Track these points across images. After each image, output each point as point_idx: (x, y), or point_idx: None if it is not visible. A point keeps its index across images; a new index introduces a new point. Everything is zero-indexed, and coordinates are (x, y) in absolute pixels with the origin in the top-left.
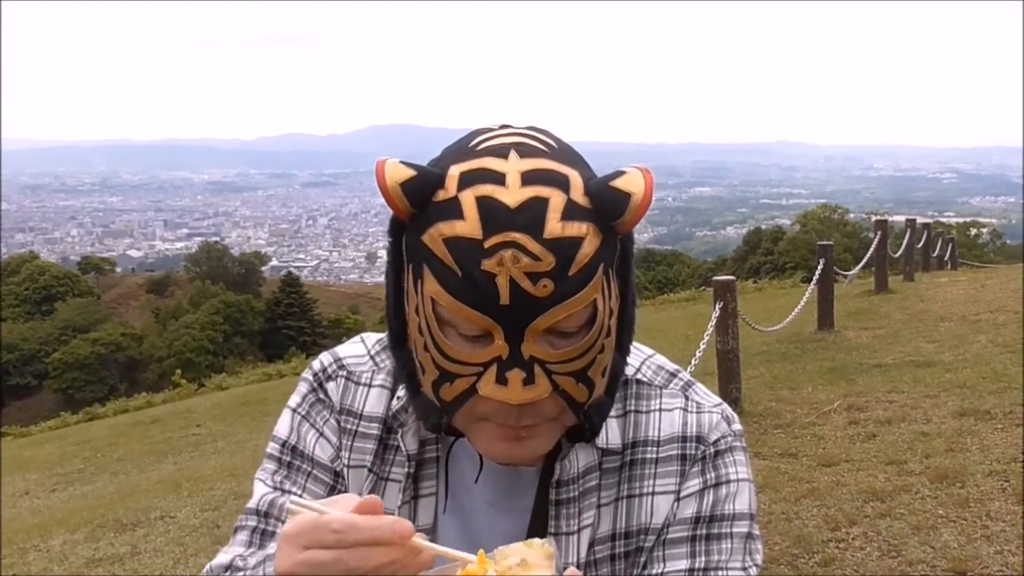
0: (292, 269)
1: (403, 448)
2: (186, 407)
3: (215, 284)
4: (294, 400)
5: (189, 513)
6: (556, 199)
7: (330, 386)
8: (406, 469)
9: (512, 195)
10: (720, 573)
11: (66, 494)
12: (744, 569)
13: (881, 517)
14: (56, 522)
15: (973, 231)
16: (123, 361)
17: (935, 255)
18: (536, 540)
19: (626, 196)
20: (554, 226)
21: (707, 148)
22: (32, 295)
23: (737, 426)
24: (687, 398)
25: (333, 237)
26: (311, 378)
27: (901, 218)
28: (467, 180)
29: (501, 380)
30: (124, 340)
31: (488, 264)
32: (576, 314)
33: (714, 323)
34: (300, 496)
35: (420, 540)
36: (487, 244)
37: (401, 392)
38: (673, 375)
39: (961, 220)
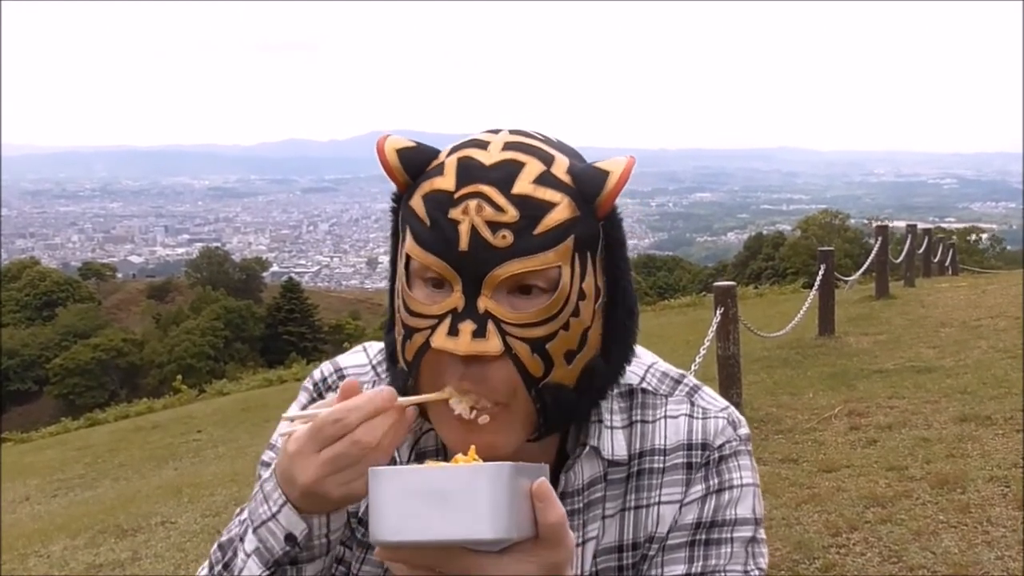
0: (293, 275)
1: (398, 461)
2: (187, 413)
3: (216, 290)
4: (293, 410)
5: (190, 519)
6: (533, 166)
7: (329, 396)
8: None
9: (490, 156)
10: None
11: (67, 500)
12: (745, 573)
13: (882, 523)
14: (57, 528)
15: (974, 236)
16: (124, 367)
17: (936, 261)
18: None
19: (604, 173)
20: (525, 185)
21: (708, 153)
22: (33, 301)
23: (744, 430)
24: (693, 404)
25: (334, 243)
26: (311, 388)
27: (902, 224)
28: (454, 148)
29: (453, 331)
30: (125, 346)
31: (454, 212)
32: (537, 274)
33: (715, 329)
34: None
35: (402, 400)
36: (457, 195)
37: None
38: (678, 381)
39: (962, 226)
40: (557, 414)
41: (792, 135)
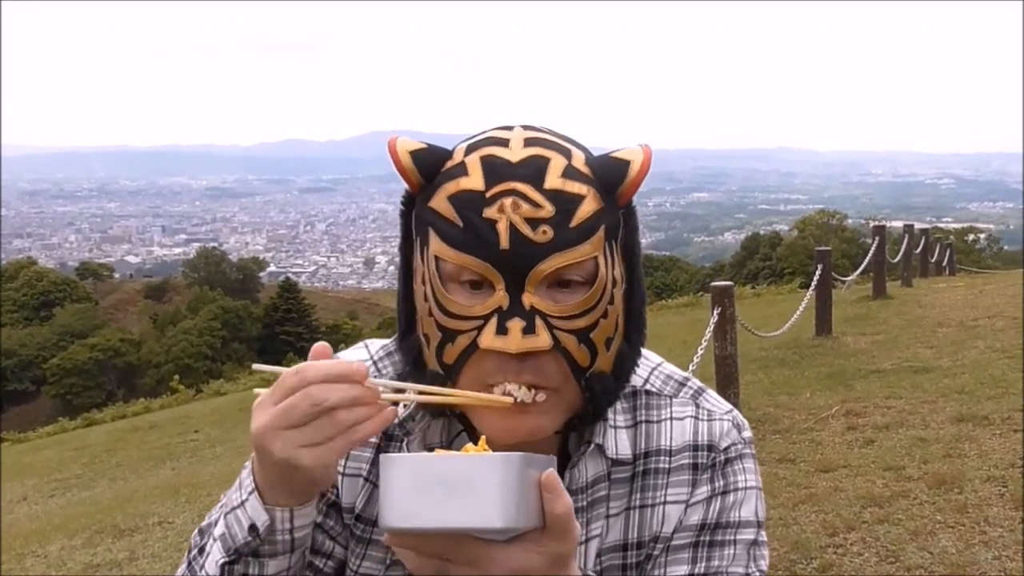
0: (290, 275)
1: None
2: (184, 413)
3: (213, 290)
4: None
5: (187, 519)
6: (557, 160)
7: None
8: None
9: (515, 154)
10: None
11: (64, 500)
12: (747, 575)
13: (879, 523)
14: (54, 528)
15: (971, 237)
16: (121, 367)
17: (933, 261)
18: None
19: (625, 163)
20: (555, 180)
21: (707, 154)
22: (30, 301)
23: (747, 433)
24: (698, 406)
25: (331, 243)
26: None
27: (899, 224)
28: (473, 147)
29: (502, 330)
30: (122, 346)
31: (489, 212)
32: (576, 266)
33: (712, 329)
34: None
35: (376, 382)
36: (489, 194)
37: (399, 410)
38: (682, 384)
39: (959, 226)
40: (604, 400)
41: (790, 135)
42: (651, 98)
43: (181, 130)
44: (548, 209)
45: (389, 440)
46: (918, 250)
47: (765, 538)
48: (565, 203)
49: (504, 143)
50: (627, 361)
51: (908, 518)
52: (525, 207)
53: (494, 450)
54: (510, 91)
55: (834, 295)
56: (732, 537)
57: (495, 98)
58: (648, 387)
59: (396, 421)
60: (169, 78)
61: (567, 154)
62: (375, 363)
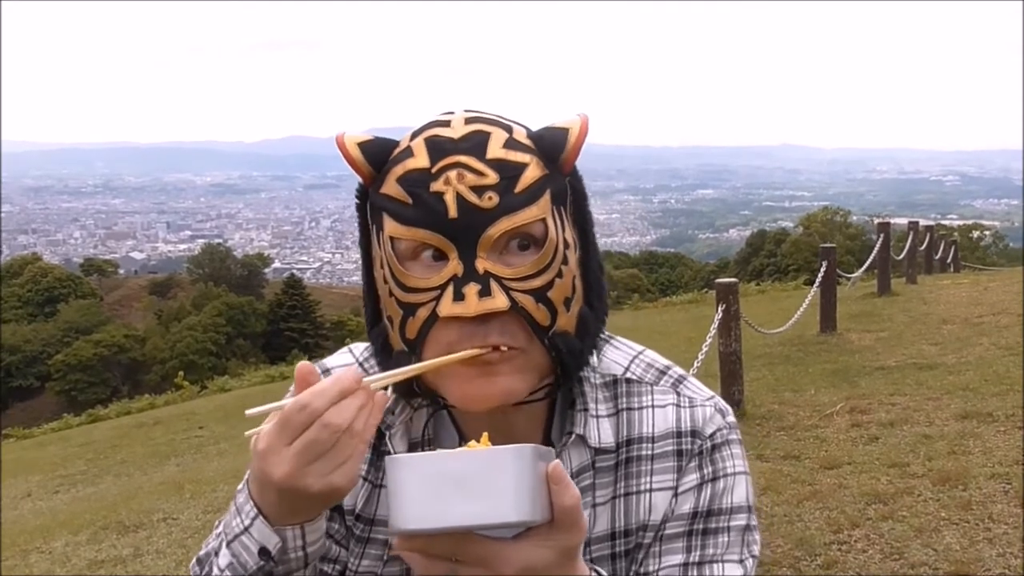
0: (295, 271)
1: (392, 450)
2: (188, 409)
3: (218, 286)
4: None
5: (192, 515)
6: (498, 134)
7: (289, 391)
8: None
9: (457, 131)
10: (716, 566)
11: (69, 496)
12: (741, 561)
13: (883, 520)
14: (59, 524)
15: (975, 234)
16: (125, 363)
17: (937, 258)
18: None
19: (564, 131)
20: (497, 150)
21: (712, 151)
22: (35, 297)
23: (731, 418)
24: (679, 394)
25: (336, 239)
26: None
27: (904, 221)
28: (417, 132)
29: (458, 297)
30: (127, 342)
31: (436, 185)
32: (525, 228)
33: (717, 325)
34: None
35: (367, 379)
36: (434, 169)
37: (388, 393)
38: (663, 372)
39: (964, 223)
40: (570, 360)
41: (795, 132)
42: (656, 96)
43: (185, 126)
44: (492, 177)
45: (381, 437)
46: (923, 247)
47: (756, 522)
48: (508, 171)
49: (446, 124)
50: (590, 324)
51: (912, 515)
52: (469, 176)
53: (496, 439)
54: (514, 86)
55: (839, 292)
56: (725, 524)
57: (498, 93)
58: (629, 375)
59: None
60: (173, 75)
61: (508, 129)
62: (361, 364)
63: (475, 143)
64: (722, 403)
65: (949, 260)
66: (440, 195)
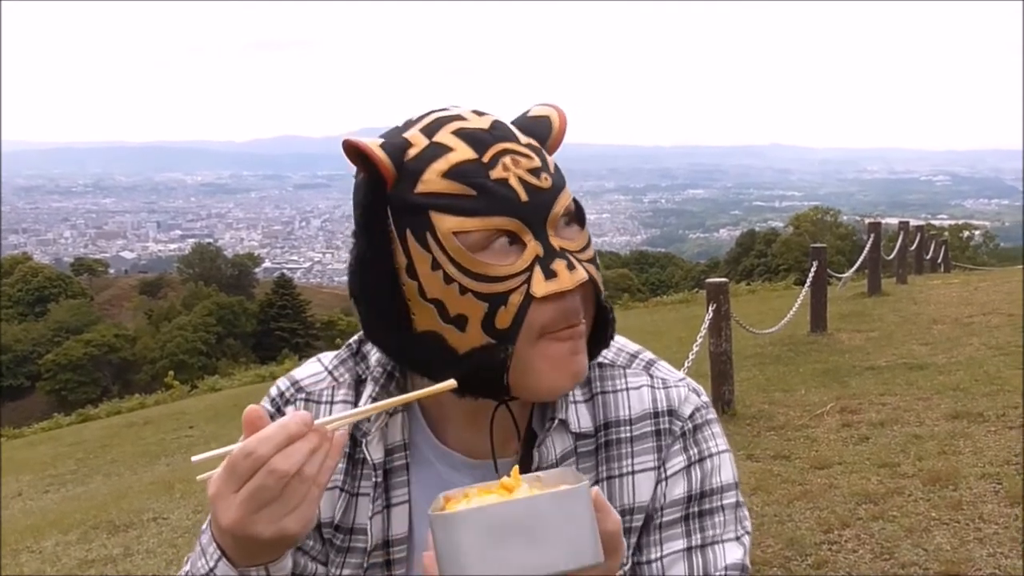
0: (285, 271)
1: (369, 458)
2: (179, 409)
3: (208, 286)
4: None
5: (182, 515)
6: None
7: (289, 410)
8: (373, 479)
9: (479, 123)
10: (716, 547)
11: (59, 495)
12: (738, 539)
13: (874, 519)
14: (49, 523)
15: (966, 233)
16: (116, 362)
17: (928, 258)
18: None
19: (545, 118)
20: (522, 136)
21: (702, 151)
22: (25, 296)
23: (705, 397)
24: (651, 375)
25: (326, 239)
26: (268, 405)
27: (894, 220)
28: (432, 129)
29: (550, 274)
30: (117, 341)
31: (495, 173)
32: (571, 204)
33: (707, 325)
34: None
35: (321, 421)
36: (486, 159)
37: (362, 402)
38: (634, 356)
39: (954, 223)
40: (612, 328)
41: (785, 132)
42: (647, 95)
43: (175, 126)
44: (535, 159)
45: (355, 445)
46: (913, 247)
47: (742, 498)
48: (540, 152)
49: (460, 118)
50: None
51: (903, 515)
52: (523, 161)
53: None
54: (505, 86)
55: (829, 292)
56: (719, 503)
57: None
58: (601, 359)
59: (355, 424)
60: (163, 74)
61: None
62: (330, 372)
63: (505, 130)
64: (694, 383)
65: (939, 260)
66: (504, 181)
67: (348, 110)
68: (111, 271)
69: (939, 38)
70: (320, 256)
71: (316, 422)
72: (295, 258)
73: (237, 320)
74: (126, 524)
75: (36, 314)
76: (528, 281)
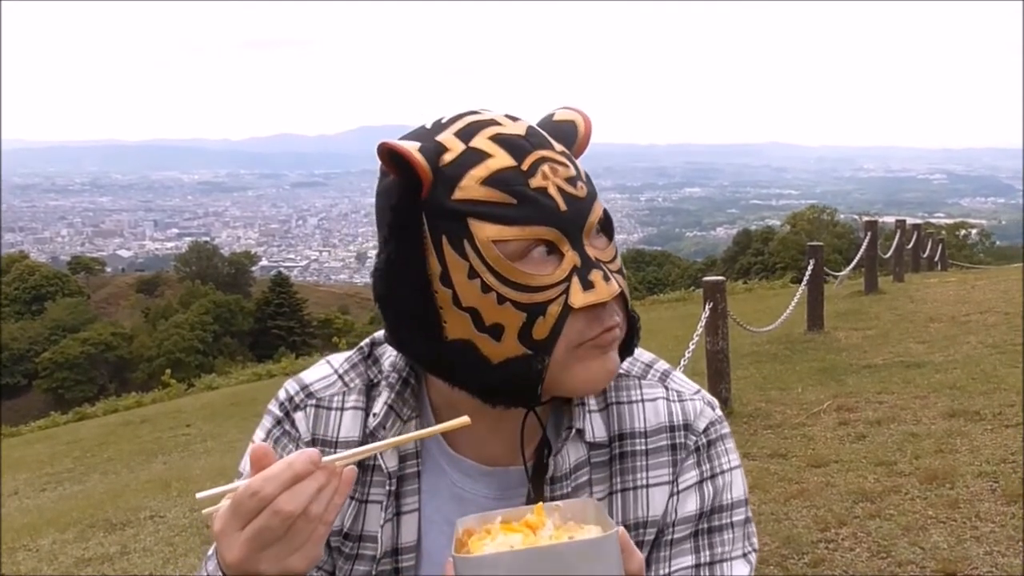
0: (282, 269)
1: (383, 466)
2: (176, 407)
3: (205, 284)
4: (258, 435)
5: (179, 513)
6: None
7: (298, 416)
8: (387, 488)
9: (514, 128)
10: (725, 565)
11: (56, 494)
12: (744, 555)
13: (871, 518)
14: (46, 522)
15: (963, 232)
16: (113, 361)
17: (925, 256)
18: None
19: (571, 123)
20: (556, 144)
21: (698, 149)
22: (22, 295)
23: (719, 411)
24: (667, 388)
25: (323, 237)
26: (276, 410)
27: (891, 219)
28: (468, 133)
29: (587, 285)
30: (114, 340)
31: (535, 182)
32: (601, 213)
33: (704, 324)
34: None
35: (330, 458)
36: (525, 166)
37: (377, 409)
38: (649, 366)
39: (951, 221)
40: (638, 334)
41: (782, 131)
42: (643, 93)
43: (172, 125)
44: (572, 168)
45: None
46: (910, 245)
47: (751, 513)
48: (572, 161)
49: (495, 123)
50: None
51: (900, 513)
52: (561, 170)
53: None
54: (501, 85)
55: (826, 290)
56: (728, 520)
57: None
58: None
59: (367, 431)
60: (160, 73)
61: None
62: (340, 376)
63: (541, 137)
64: (709, 396)
65: (936, 258)
66: (543, 190)
67: (343, 110)
68: (108, 269)
69: (936, 37)
70: (317, 254)
71: (324, 459)
72: (292, 256)
73: (234, 318)
74: (123, 522)
75: (33, 312)
76: (566, 292)
